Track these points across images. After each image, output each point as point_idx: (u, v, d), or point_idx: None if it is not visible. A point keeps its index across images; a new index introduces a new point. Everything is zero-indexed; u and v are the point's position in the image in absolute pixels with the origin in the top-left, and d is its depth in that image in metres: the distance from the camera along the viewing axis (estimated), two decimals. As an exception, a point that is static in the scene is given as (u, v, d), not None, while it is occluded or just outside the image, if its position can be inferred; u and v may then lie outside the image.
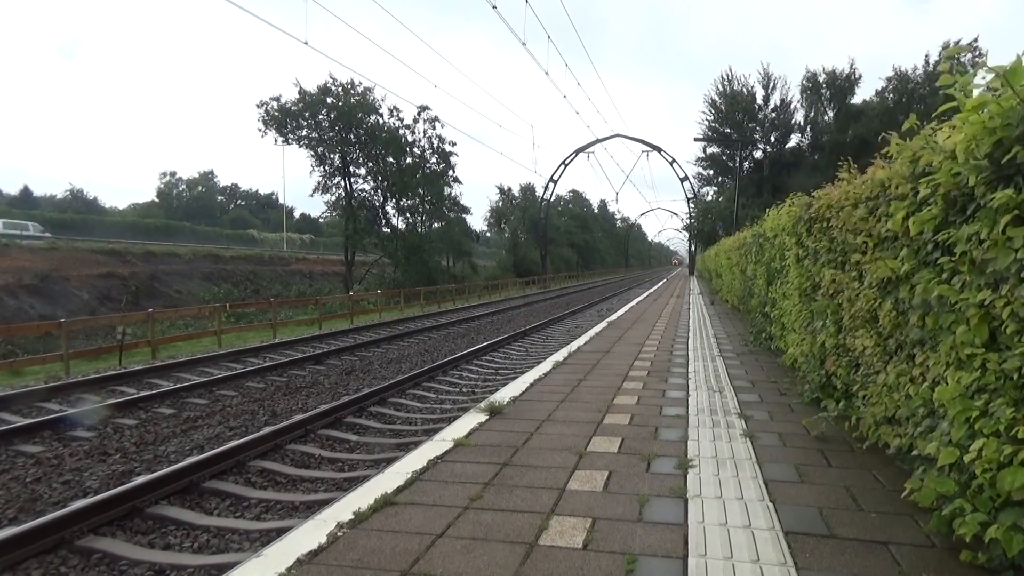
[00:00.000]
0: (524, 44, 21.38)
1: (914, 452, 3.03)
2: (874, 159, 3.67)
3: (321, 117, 38.10)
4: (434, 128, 42.73)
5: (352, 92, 38.46)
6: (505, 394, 5.89)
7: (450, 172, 44.51)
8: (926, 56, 41.12)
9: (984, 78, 2.27)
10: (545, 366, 7.61)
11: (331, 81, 37.95)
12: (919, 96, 38.79)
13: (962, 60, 34.43)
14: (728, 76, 46.55)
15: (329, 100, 37.69)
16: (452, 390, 9.26)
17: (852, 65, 44.18)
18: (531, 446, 4.22)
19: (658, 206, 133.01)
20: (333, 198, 40.22)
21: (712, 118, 47.17)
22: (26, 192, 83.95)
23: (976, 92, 2.35)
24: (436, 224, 45.81)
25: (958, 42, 41.65)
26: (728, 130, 46.00)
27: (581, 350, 9.05)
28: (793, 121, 46.61)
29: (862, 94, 45.07)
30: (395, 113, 41.01)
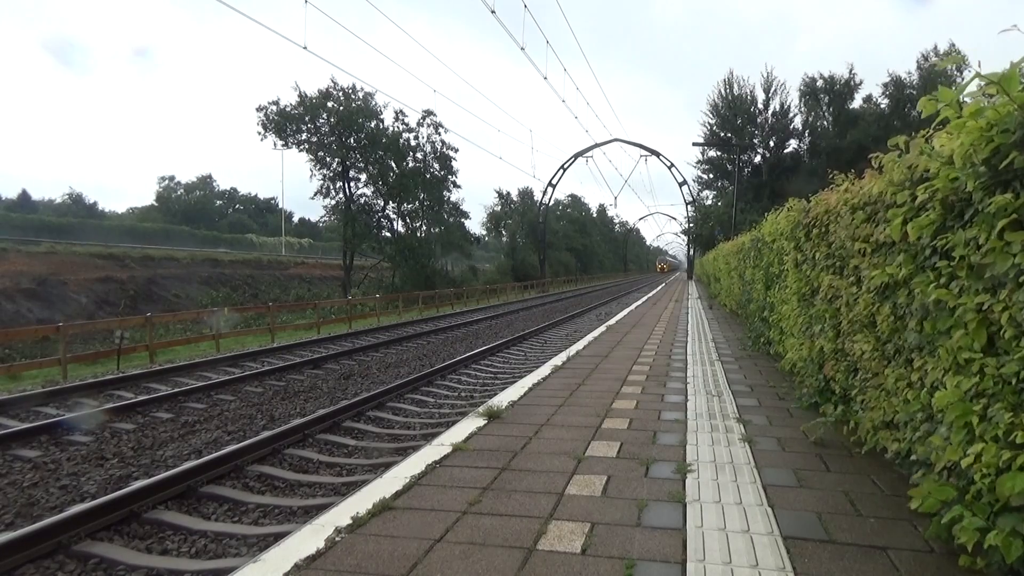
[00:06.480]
0: (523, 49, 21.48)
1: (912, 457, 3.03)
2: (870, 166, 3.68)
3: (321, 122, 38.17)
4: (438, 133, 42.97)
5: (353, 97, 38.55)
6: (504, 399, 5.89)
7: (451, 177, 44.70)
8: (918, 61, 41.45)
9: (979, 84, 2.28)
10: (544, 370, 7.61)
11: (332, 86, 38.08)
12: (914, 101, 39.04)
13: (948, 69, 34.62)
14: (730, 79, 46.77)
15: (330, 104, 37.77)
16: (451, 395, 9.25)
17: (852, 70, 44.36)
18: (530, 451, 4.21)
19: (657, 211, 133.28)
20: (332, 202, 40.31)
21: (715, 121, 47.32)
22: (24, 196, 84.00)
23: (969, 100, 2.36)
24: (436, 228, 45.89)
25: (942, 49, 42.05)
26: (729, 135, 46.15)
27: (580, 354, 9.05)
28: (792, 126, 46.80)
29: (857, 89, 45.19)
30: (400, 117, 41.18)
